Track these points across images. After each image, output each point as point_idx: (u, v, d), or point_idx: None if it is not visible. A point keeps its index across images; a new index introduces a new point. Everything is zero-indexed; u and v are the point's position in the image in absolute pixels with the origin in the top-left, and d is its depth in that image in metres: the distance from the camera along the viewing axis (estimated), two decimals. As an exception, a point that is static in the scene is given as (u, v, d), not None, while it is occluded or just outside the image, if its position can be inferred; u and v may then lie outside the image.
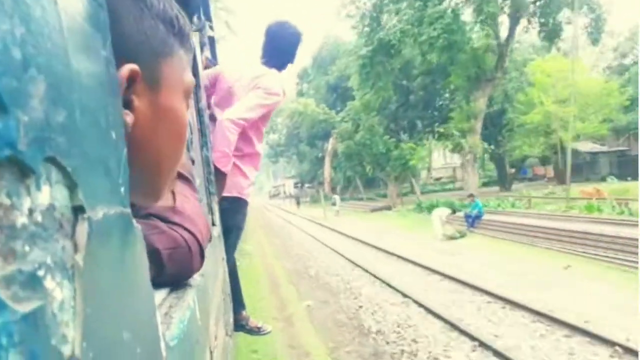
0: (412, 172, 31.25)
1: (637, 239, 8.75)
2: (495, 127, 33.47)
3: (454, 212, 17.23)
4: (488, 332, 6.49)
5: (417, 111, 35.51)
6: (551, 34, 26.77)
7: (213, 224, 1.82)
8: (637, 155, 17.26)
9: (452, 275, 9.67)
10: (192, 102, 1.55)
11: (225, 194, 2.44)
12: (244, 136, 2.51)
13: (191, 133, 1.22)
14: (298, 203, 45.19)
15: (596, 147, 35.16)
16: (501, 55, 25.54)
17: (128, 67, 0.44)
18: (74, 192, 0.26)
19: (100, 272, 0.28)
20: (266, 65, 2.64)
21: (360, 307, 8.51)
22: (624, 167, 31.10)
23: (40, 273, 0.21)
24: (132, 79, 0.46)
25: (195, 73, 1.87)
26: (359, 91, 30.71)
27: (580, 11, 25.11)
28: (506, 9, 25.48)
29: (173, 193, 0.74)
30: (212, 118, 2.51)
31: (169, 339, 0.50)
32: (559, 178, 29.47)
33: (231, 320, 2.04)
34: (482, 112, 26.08)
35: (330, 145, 44.44)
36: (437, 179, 53.94)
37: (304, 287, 10.38)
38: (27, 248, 0.20)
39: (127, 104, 0.47)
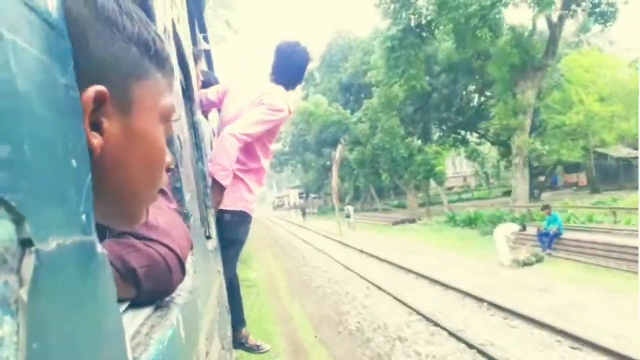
0: (438, 179, 27.85)
1: None
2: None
3: (524, 228, 13.83)
4: None
5: (439, 112, 31.91)
6: (605, 16, 21.53)
7: (208, 237, 1.82)
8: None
9: (576, 334, 6.31)
10: (184, 116, 1.56)
11: (230, 207, 2.45)
12: (249, 151, 2.53)
13: (181, 147, 1.22)
14: (304, 214, 42.44)
15: (633, 153, 29.61)
16: (552, 39, 20.98)
17: (94, 89, 0.44)
18: (21, 225, 0.26)
19: (52, 304, 0.28)
20: (274, 82, 2.67)
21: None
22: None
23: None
24: (99, 101, 0.46)
25: (188, 87, 1.88)
26: (382, 85, 26.19)
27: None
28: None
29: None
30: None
31: (144, 361, 0.50)
32: (592, 186, 26.86)
33: (229, 333, 2.04)
34: (530, 107, 21.84)
35: (337, 153, 42.35)
36: (449, 189, 49.56)
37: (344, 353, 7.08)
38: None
39: (96, 126, 0.47)
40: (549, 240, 12.51)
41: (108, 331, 0.38)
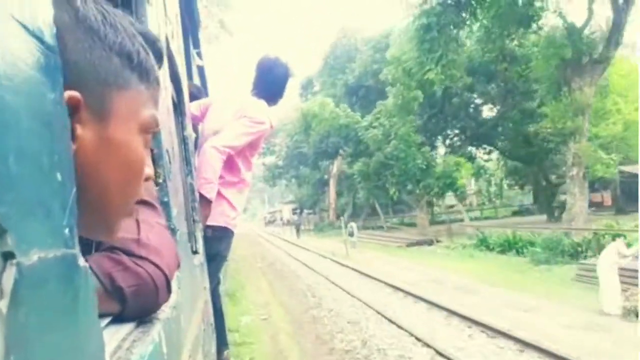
0: (460, 194, 24.61)
1: None
2: (542, 142, 25.88)
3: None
4: None
5: (457, 120, 28.65)
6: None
7: (195, 252, 1.81)
8: None
9: None
10: (174, 130, 1.56)
11: (211, 222, 2.44)
12: (231, 165, 2.53)
13: (170, 162, 1.22)
14: (298, 231, 38.93)
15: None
16: (616, 27, 17.14)
17: (67, 94, 0.44)
18: (3, 238, 0.27)
19: (31, 318, 0.28)
20: (256, 97, 2.69)
21: None
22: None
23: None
24: (72, 106, 0.46)
25: (180, 102, 1.89)
26: (401, 84, 22.26)
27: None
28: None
29: (137, 222, 0.74)
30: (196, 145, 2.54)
31: (123, 377, 0.50)
32: (617, 206, 24.67)
33: (213, 350, 2.01)
34: (589, 107, 18.12)
35: (335, 166, 40.37)
36: (450, 207, 48.78)
37: None
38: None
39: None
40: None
41: (88, 345, 0.38)
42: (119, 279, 0.66)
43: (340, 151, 33.91)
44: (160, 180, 1.07)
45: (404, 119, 24.05)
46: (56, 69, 0.38)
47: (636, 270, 8.12)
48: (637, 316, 7.54)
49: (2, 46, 0.29)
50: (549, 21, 18.84)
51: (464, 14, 18.40)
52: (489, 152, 32.41)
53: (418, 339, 7.68)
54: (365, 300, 10.76)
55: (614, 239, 9.66)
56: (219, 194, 2.45)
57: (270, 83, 2.71)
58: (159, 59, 0.68)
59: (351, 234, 22.37)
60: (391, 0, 27.11)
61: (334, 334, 8.68)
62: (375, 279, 13.75)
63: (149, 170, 0.62)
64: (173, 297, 0.86)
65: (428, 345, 7.32)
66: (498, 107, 27.48)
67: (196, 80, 3.33)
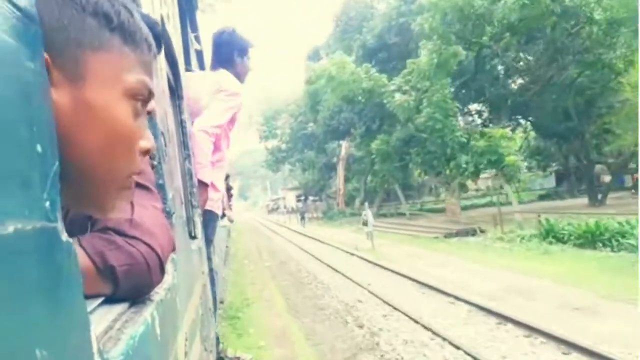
0: (510, 173, 19.64)
1: None
2: (583, 116, 22.96)
3: None
4: None
5: (496, 88, 24.18)
6: None
7: (193, 237, 1.80)
8: None
9: None
10: (170, 113, 1.55)
11: None
12: (215, 145, 2.51)
13: (165, 145, 1.21)
14: (303, 219, 35.46)
15: None
16: None
17: None
18: (-26, 207, 0.26)
19: (7, 289, 0.28)
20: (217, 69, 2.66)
21: None
22: None
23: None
24: None
25: (177, 85, 1.87)
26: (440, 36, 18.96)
27: None
28: None
29: (132, 204, 0.73)
30: None
31: (112, 356, 0.49)
32: None
33: (212, 335, 2.02)
34: None
35: (344, 149, 37.50)
36: (476, 190, 43.44)
37: None
38: None
39: None
40: None
41: (70, 321, 0.37)
42: (110, 258, 0.65)
43: (352, 130, 29.91)
44: (155, 163, 1.06)
45: (440, 81, 19.39)
46: (36, 38, 0.37)
47: None
48: None
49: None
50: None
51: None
52: (514, 129, 27.96)
53: None
54: (451, 337, 6.57)
55: None
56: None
57: (229, 52, 2.67)
58: (157, 43, 0.66)
59: (365, 223, 19.34)
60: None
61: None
62: (435, 289, 9.52)
63: (146, 142, 0.59)
64: (168, 279, 0.86)
65: None
66: (539, 72, 22.78)
67: (194, 65, 3.30)
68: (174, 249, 0.81)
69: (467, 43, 19.59)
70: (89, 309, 0.59)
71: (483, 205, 30.99)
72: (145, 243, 0.70)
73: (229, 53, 2.67)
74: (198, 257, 1.76)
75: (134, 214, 0.72)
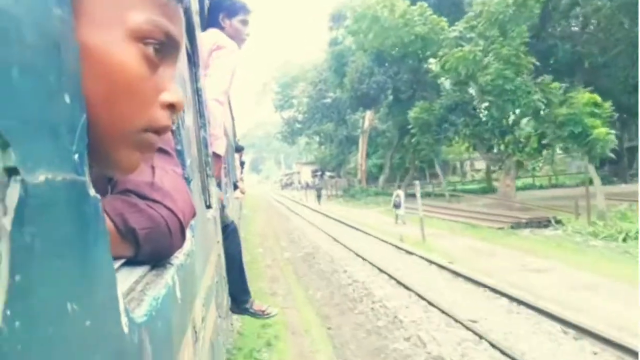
0: (598, 150, 14.77)
1: None
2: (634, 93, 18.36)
3: None
4: None
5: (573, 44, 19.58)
6: None
7: (208, 206, 1.81)
8: None
9: None
10: (187, 80, 1.53)
11: None
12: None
13: (183, 111, 1.20)
14: (319, 197, 31.61)
15: None
16: None
17: None
18: (5, 152, 0.25)
19: (37, 238, 0.27)
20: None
21: None
22: None
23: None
24: None
25: (194, 52, 1.85)
26: None
27: None
28: None
29: (152, 167, 0.72)
30: None
31: (137, 316, 0.49)
32: None
33: (225, 302, 2.05)
34: None
35: (367, 120, 34.01)
36: (476, 171, 41.12)
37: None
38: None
39: None
40: None
41: (99, 276, 0.36)
42: (132, 221, 0.64)
43: (382, 96, 26.32)
44: (174, 128, 1.05)
45: (516, 30, 15.09)
46: (63, -16, 0.36)
47: None
48: None
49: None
50: None
51: None
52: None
53: None
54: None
55: None
56: None
57: (212, 15, 2.60)
58: None
59: (397, 205, 16.82)
60: None
61: None
62: (568, 323, 5.85)
63: (170, 96, 0.54)
64: (187, 244, 0.86)
65: None
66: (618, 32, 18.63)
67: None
68: (194, 215, 0.80)
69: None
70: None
71: (529, 188, 27.80)
72: (166, 207, 0.70)
73: (215, 15, 2.61)
74: (213, 226, 1.77)
75: (155, 177, 0.71)
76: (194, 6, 1.85)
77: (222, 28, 2.57)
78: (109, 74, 0.47)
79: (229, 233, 2.61)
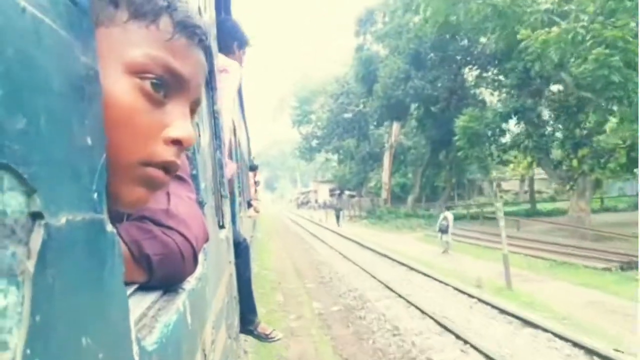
0: None
1: None
2: None
3: None
4: None
5: None
6: None
7: (222, 227, 1.83)
8: None
9: None
10: (205, 104, 1.57)
11: None
12: None
13: (199, 135, 1.22)
14: (338, 218, 28.68)
15: None
16: None
17: None
18: (32, 198, 0.27)
19: (58, 279, 0.29)
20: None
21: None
22: None
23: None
24: None
25: (211, 75, 1.89)
26: None
27: None
28: None
29: (168, 194, 0.74)
30: None
31: (148, 344, 0.50)
32: None
33: (236, 322, 2.05)
34: None
35: (393, 135, 30.81)
36: (505, 191, 36.45)
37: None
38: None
39: None
40: None
41: (113, 309, 0.38)
42: (146, 247, 0.66)
43: (419, 104, 23.14)
44: (190, 153, 1.07)
45: (623, 3, 11.46)
46: (89, 32, 0.38)
47: None
48: None
49: (35, 5, 0.29)
50: None
51: None
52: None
53: None
54: None
55: None
56: None
57: (227, 41, 2.66)
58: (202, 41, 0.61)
59: (444, 230, 13.95)
60: None
61: None
62: None
63: (175, 131, 0.55)
64: (199, 268, 0.87)
65: None
66: None
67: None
68: (207, 240, 0.82)
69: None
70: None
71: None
72: (180, 233, 0.71)
73: (230, 42, 2.67)
74: (226, 247, 1.78)
75: (170, 204, 0.73)
76: (212, 31, 1.89)
77: (231, 54, 2.63)
78: (107, 107, 0.47)
79: (241, 251, 2.63)
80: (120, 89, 0.50)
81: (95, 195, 0.36)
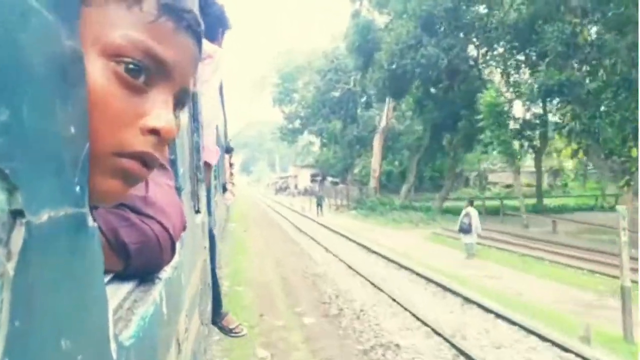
0: None
1: None
2: None
3: None
4: None
5: None
6: None
7: (197, 211, 1.80)
8: None
9: None
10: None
11: None
12: None
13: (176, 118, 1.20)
14: (320, 207, 26.00)
15: None
16: None
17: None
18: (13, 195, 0.25)
19: (39, 279, 0.27)
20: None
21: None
22: None
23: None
24: None
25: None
26: None
27: None
28: None
29: (147, 181, 0.72)
30: None
31: (124, 338, 0.49)
32: None
33: (209, 308, 2.04)
34: None
35: (385, 118, 27.80)
36: (492, 184, 35.40)
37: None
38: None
39: None
40: None
41: (92, 308, 0.36)
42: (124, 235, 0.64)
43: (430, 73, 19.64)
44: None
45: None
46: (74, 15, 0.36)
47: None
48: None
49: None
50: None
51: None
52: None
53: None
54: None
55: None
56: None
57: (212, 27, 2.59)
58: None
59: (466, 229, 11.62)
60: None
61: None
62: None
63: (153, 121, 0.50)
64: (175, 257, 0.86)
65: None
66: None
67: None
68: (185, 229, 0.80)
69: None
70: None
71: (579, 209, 22.48)
72: (158, 222, 0.70)
73: (215, 28, 2.59)
74: (201, 232, 1.76)
75: (148, 192, 0.71)
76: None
77: (216, 41, 2.56)
78: None
79: (209, 239, 2.60)
80: (93, 72, 0.46)
81: (78, 188, 0.34)
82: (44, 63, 0.30)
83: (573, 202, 24.98)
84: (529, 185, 30.59)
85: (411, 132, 27.08)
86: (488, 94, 15.60)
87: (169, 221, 0.72)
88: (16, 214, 0.25)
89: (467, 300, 7.71)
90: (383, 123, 28.38)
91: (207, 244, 2.04)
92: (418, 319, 6.74)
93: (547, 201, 24.92)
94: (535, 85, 14.31)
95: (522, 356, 5.51)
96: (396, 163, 32.30)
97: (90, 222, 0.36)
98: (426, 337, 6.16)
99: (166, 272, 0.78)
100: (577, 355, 5.36)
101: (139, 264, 0.67)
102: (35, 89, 0.29)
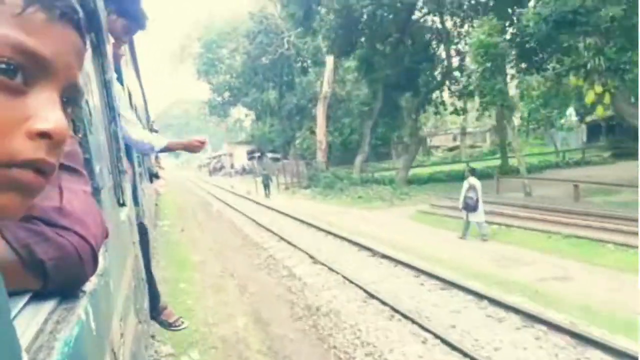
0: None
1: None
2: None
3: None
4: None
5: None
6: None
7: (122, 204, 1.72)
8: None
9: None
10: (92, 75, 1.43)
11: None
12: None
13: (90, 113, 1.11)
14: (267, 187, 22.92)
15: None
16: None
17: None
18: None
19: None
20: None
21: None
22: None
23: None
24: None
25: (100, 42, 1.72)
26: None
27: None
28: None
29: (60, 188, 0.66)
30: None
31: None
32: None
33: (146, 305, 1.97)
34: None
35: (326, 83, 24.49)
36: (433, 147, 34.31)
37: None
38: None
39: None
40: None
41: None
42: (39, 251, 0.59)
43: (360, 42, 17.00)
44: (80, 135, 0.97)
45: None
46: None
47: None
48: None
49: None
50: None
51: None
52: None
53: None
54: None
55: None
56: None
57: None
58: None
59: (472, 207, 9.57)
60: None
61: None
62: None
63: (41, 124, 0.46)
64: (100, 264, 0.80)
65: None
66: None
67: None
68: (106, 236, 0.75)
69: None
70: (15, 307, 0.53)
71: (548, 167, 21.17)
72: (76, 233, 0.64)
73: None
74: (128, 227, 1.68)
75: (63, 201, 0.65)
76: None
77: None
78: None
79: (140, 232, 2.50)
80: None
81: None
82: None
83: (536, 160, 22.71)
84: (472, 146, 29.60)
85: (356, 97, 24.68)
86: (480, 32, 13.07)
87: (88, 231, 0.67)
88: None
89: (580, 338, 4.73)
90: (325, 88, 24.98)
91: (136, 238, 1.95)
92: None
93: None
94: (545, 12, 11.24)
95: None
96: (336, 134, 29.96)
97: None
98: None
99: (91, 283, 0.73)
100: None
101: (59, 281, 0.62)
102: None
